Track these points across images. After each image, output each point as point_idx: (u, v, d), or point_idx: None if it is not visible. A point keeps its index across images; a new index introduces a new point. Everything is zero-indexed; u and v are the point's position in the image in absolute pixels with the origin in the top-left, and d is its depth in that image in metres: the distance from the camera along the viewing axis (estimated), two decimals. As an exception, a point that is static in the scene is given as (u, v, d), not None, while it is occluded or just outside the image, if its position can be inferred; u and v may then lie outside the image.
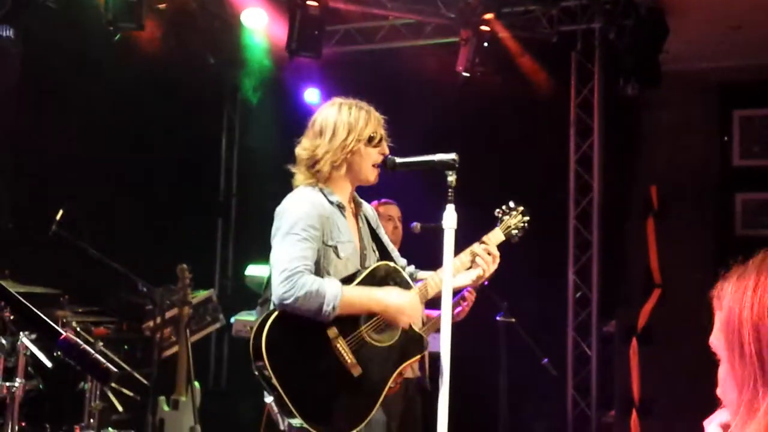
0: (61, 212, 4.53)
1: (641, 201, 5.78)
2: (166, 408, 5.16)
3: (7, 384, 3.74)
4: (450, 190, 2.56)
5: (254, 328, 2.66)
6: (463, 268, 2.96)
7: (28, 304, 1.24)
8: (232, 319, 5.90)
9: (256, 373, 2.64)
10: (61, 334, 1.23)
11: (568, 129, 6.22)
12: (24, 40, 5.81)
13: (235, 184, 7.54)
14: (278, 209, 2.83)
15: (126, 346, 5.43)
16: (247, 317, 5.65)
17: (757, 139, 6.20)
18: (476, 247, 2.98)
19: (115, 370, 1.24)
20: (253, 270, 6.44)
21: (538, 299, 5.72)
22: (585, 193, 6.16)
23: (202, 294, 5.86)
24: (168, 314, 5.41)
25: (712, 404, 1.97)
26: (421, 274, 3.14)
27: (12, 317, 3.94)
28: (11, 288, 1.28)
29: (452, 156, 2.58)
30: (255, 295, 6.24)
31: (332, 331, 2.70)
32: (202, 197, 7.08)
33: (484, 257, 2.94)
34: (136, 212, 6.25)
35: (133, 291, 5.30)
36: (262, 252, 2.94)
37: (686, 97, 6.19)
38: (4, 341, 3.77)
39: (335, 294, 2.65)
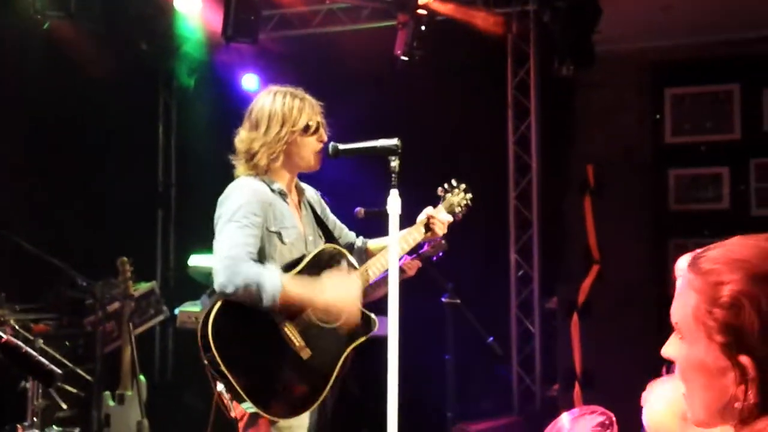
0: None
1: (578, 180, 5.90)
2: (111, 403, 5.08)
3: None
4: (393, 175, 2.59)
5: (201, 318, 2.66)
6: (414, 244, 3.00)
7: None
8: (176, 311, 5.83)
9: (206, 362, 2.65)
10: (2, 337, 1.20)
11: (506, 111, 6.30)
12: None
13: (174, 173, 7.41)
14: (220, 198, 2.83)
15: (67, 342, 5.32)
16: (192, 308, 5.59)
17: (689, 116, 6.39)
18: (423, 216, 3.03)
19: (59, 371, 1.22)
20: (197, 260, 6.36)
21: (481, 279, 5.81)
22: (524, 174, 6.25)
23: (144, 286, 5.78)
24: (109, 308, 5.33)
25: (651, 374, 2.05)
26: (372, 242, 3.17)
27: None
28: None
29: (395, 141, 2.61)
30: (198, 285, 6.17)
31: (279, 316, 2.72)
32: (140, 188, 6.95)
33: (437, 220, 2.99)
34: (72, 205, 6.10)
35: (72, 286, 5.20)
36: (204, 242, 2.92)
37: (620, 77, 6.32)
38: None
39: (274, 290, 2.65)
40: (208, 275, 2.93)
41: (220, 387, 2.73)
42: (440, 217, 3.09)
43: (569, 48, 5.68)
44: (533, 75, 6.22)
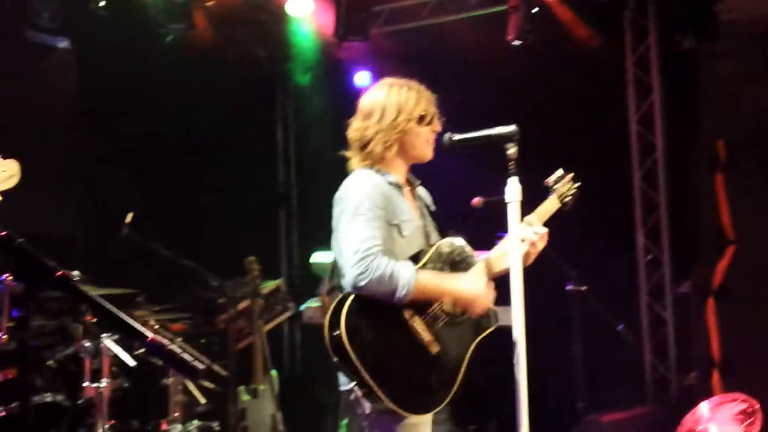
0: (130, 215, 4.64)
1: (708, 156, 5.61)
2: (245, 397, 5.27)
3: (95, 385, 3.87)
4: (511, 162, 2.54)
5: (329, 316, 2.66)
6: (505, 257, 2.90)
7: (114, 310, 1.28)
8: (302, 307, 5.99)
9: (336, 358, 2.64)
10: (148, 336, 1.27)
11: (625, 90, 6.07)
12: (79, 50, 5.96)
13: (294, 173, 7.62)
14: (338, 194, 2.83)
15: (202, 340, 5.56)
16: (317, 304, 5.72)
17: (826, 82, 5.94)
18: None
19: (202, 366, 1.27)
20: (319, 257, 6.50)
21: (606, 265, 5.63)
22: (648, 153, 6.01)
23: (271, 284, 5.95)
24: (240, 306, 5.51)
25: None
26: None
27: (94, 320, 4.07)
28: (92, 292, 1.32)
29: (512, 128, 2.56)
30: (321, 282, 6.32)
31: (408, 311, 2.70)
32: (262, 189, 7.17)
33: (529, 238, 2.90)
34: (199, 209, 6.38)
35: (204, 286, 5.42)
36: (325, 239, 2.96)
37: (746, 46, 5.96)
38: (88, 344, 3.90)
39: (409, 279, 2.64)
40: (330, 272, 2.96)
41: (345, 386, 2.74)
42: (549, 207, 3.02)
43: (690, 19, 5.41)
44: (654, 50, 5.97)
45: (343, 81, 6.75)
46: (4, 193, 1.90)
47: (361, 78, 6.70)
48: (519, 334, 2.57)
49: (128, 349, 4.15)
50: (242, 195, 6.53)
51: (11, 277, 1.11)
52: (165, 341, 1.28)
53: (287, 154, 7.62)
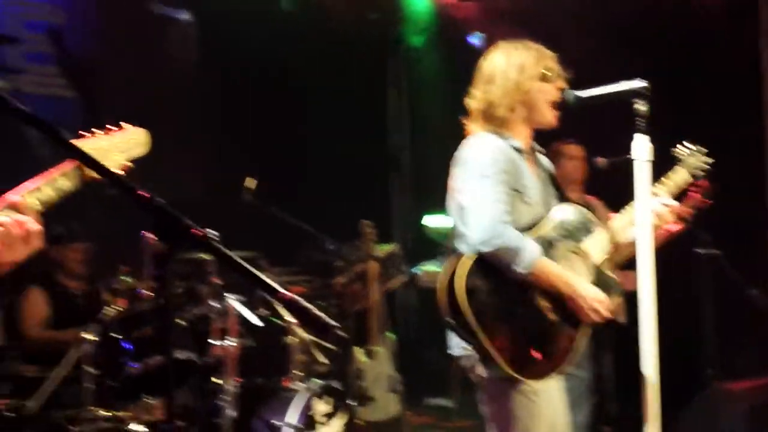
0: (251, 181, 4.78)
1: None
2: (363, 358, 5.38)
3: (222, 343, 4.03)
4: (640, 119, 2.43)
5: (447, 278, 2.63)
6: (631, 225, 2.76)
7: (250, 267, 1.32)
8: (416, 270, 6.03)
9: (451, 320, 2.61)
10: (281, 291, 1.30)
11: (756, 40, 5.69)
12: (200, 21, 6.15)
13: (407, 136, 7.62)
14: (459, 156, 2.79)
15: (320, 302, 5.69)
16: (432, 267, 5.75)
17: None
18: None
19: (334, 324, 1.30)
20: (431, 220, 6.50)
21: (737, 229, 5.35)
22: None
23: (386, 248, 6.01)
24: (356, 269, 5.61)
25: None
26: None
27: (219, 282, 4.24)
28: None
29: (642, 83, 2.45)
30: (435, 245, 6.33)
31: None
32: (375, 153, 7.22)
33: (662, 213, 2.76)
34: (314, 173, 6.49)
35: (322, 250, 5.54)
36: (439, 202, 2.93)
37: None
38: (216, 304, 4.07)
39: (531, 261, 2.58)
40: (443, 235, 2.94)
41: (457, 350, 2.71)
42: (679, 178, 2.88)
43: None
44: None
45: (458, 42, 6.65)
46: (134, 161, 1.98)
47: (476, 38, 6.58)
48: (647, 309, 2.47)
49: (253, 310, 4.30)
50: (355, 159, 6.59)
51: (152, 236, 1.17)
52: (298, 298, 1.31)
53: (400, 117, 7.61)
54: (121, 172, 1.90)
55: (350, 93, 6.67)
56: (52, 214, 1.86)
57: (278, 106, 6.31)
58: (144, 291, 4.10)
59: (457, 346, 2.70)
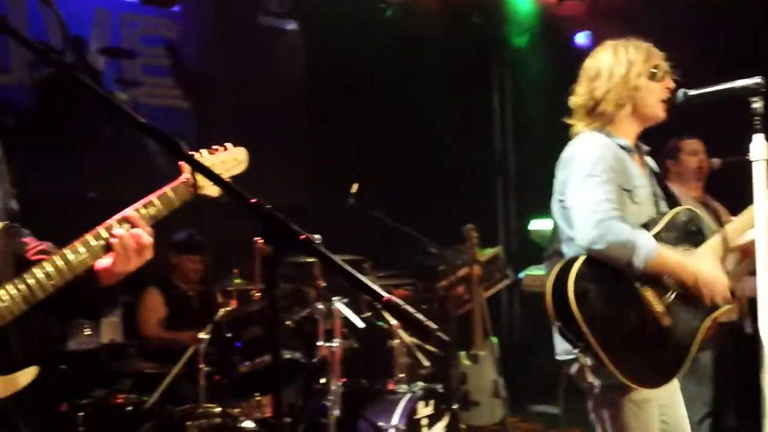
0: (355, 185, 4.87)
1: None
2: (466, 362, 5.37)
3: (327, 344, 4.12)
4: (756, 118, 2.33)
5: (553, 280, 2.58)
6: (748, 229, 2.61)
7: (354, 271, 1.36)
8: (521, 275, 5.97)
9: (561, 326, 2.57)
10: (385, 296, 1.34)
11: None
12: (306, 31, 6.32)
13: (511, 140, 7.56)
14: (565, 156, 2.73)
15: (424, 306, 5.72)
16: (536, 272, 5.67)
17: None
18: None
19: (435, 326, 1.32)
20: (537, 224, 6.43)
21: None
22: None
23: (489, 252, 5.98)
24: (459, 273, 5.61)
25: None
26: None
27: (324, 284, 4.34)
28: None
29: (757, 80, 2.35)
30: (541, 249, 6.23)
31: (639, 279, 2.57)
32: (479, 157, 7.20)
33: None
34: (418, 178, 6.54)
35: (425, 253, 5.57)
36: (544, 206, 2.89)
37: None
38: (321, 306, 4.17)
39: (649, 251, 2.50)
40: (549, 238, 2.90)
41: (564, 355, 2.67)
42: None
43: None
44: None
45: (563, 42, 6.55)
46: (233, 177, 2.09)
47: (582, 38, 6.46)
48: (767, 316, 2.36)
49: (357, 312, 4.38)
50: (459, 163, 6.60)
51: (262, 241, 1.24)
52: (400, 301, 1.34)
53: (504, 120, 7.57)
54: (219, 191, 1.98)
55: (454, 97, 6.68)
56: (174, 221, 1.99)
57: (383, 111, 6.40)
58: (254, 293, 4.25)
59: (564, 351, 2.64)
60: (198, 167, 1.56)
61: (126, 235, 1.82)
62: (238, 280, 4.34)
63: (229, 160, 2.11)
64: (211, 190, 1.98)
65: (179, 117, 6.07)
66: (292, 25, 6.35)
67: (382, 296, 1.35)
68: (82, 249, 1.78)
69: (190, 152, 1.89)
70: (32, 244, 1.92)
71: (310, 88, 6.44)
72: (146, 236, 1.85)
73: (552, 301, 2.54)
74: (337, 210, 4.99)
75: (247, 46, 6.20)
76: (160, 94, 6.10)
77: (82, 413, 3.83)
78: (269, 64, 6.28)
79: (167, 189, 1.93)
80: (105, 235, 1.81)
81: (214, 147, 2.09)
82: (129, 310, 4.80)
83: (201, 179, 1.92)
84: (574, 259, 2.56)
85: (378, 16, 5.95)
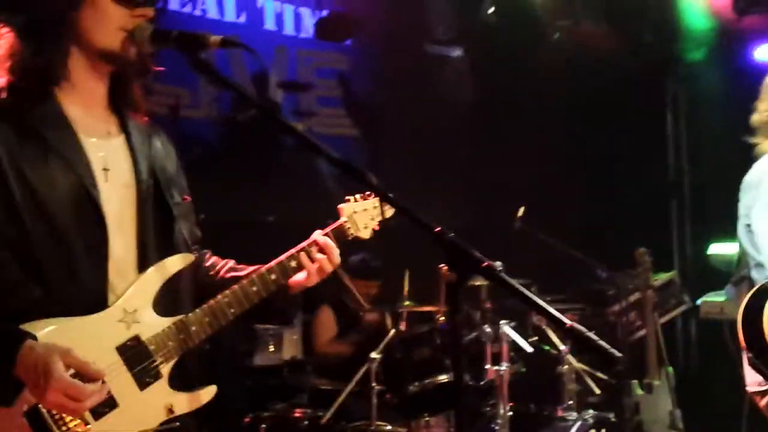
0: (522, 209, 4.87)
1: None
2: (639, 391, 5.17)
3: (495, 368, 4.13)
4: None
5: (744, 308, 2.47)
6: None
7: (536, 297, 1.40)
8: (699, 301, 5.67)
9: (749, 354, 2.46)
10: (567, 323, 1.36)
11: None
12: (472, 57, 6.41)
13: (685, 160, 7.25)
14: (748, 179, 2.62)
15: (593, 331, 5.57)
16: (716, 298, 5.37)
17: None
18: None
19: (619, 355, 1.32)
20: (717, 248, 6.11)
21: None
22: None
23: (664, 276, 5.76)
24: (631, 298, 5.43)
25: None
26: None
27: (490, 307, 4.37)
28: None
29: None
30: (720, 274, 5.91)
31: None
32: (651, 178, 6.96)
33: None
34: (585, 199, 6.42)
35: (594, 277, 5.44)
36: (723, 229, 2.77)
37: None
38: (489, 330, 4.19)
39: None
40: (730, 263, 2.77)
41: (763, 381, 2.53)
42: None
43: None
44: None
45: (741, 57, 6.22)
46: (382, 221, 2.19)
47: (762, 53, 6.10)
48: None
49: (524, 336, 4.36)
50: (631, 184, 6.42)
51: (446, 268, 1.29)
52: (583, 328, 1.36)
53: (678, 139, 7.27)
54: (371, 233, 2.17)
55: (625, 116, 6.52)
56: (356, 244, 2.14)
57: (550, 133, 6.36)
58: (439, 317, 4.32)
59: (755, 382, 2.53)
60: (383, 196, 1.65)
61: (320, 258, 1.99)
62: (408, 302, 4.45)
63: (379, 204, 2.18)
64: (364, 232, 2.15)
65: (350, 145, 6.35)
66: (457, 52, 6.47)
67: (565, 323, 1.37)
68: (267, 276, 1.94)
69: (346, 198, 2.05)
70: (219, 264, 2.09)
71: (476, 112, 6.51)
72: (337, 257, 2.03)
73: (743, 329, 2.44)
74: (504, 233, 5.00)
75: (415, 74, 6.38)
76: (332, 123, 6.42)
77: (263, 426, 4.07)
78: (436, 90, 6.43)
79: (343, 219, 2.11)
80: (296, 260, 1.97)
81: (367, 193, 2.18)
82: (307, 328, 5.04)
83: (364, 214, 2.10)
84: (766, 287, 2.44)
85: (544, 39, 5.93)
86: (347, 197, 2.18)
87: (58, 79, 1.78)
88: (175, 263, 1.85)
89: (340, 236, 2.09)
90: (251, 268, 2.02)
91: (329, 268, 2.02)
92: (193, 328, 1.82)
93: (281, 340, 4.58)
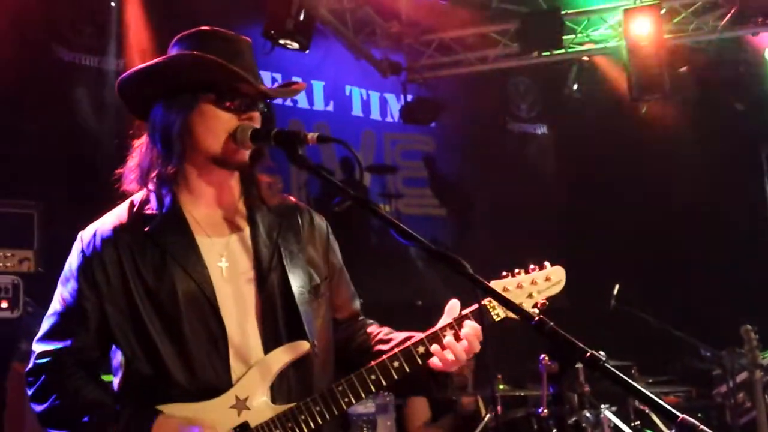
0: (617, 287, 4.74)
1: None
2: (758, 481, 4.83)
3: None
4: None
5: None
6: None
7: (642, 389, 1.34)
8: (812, 380, 5.32)
9: None
10: (679, 416, 1.29)
11: None
12: (557, 134, 6.41)
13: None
14: None
15: (699, 414, 5.30)
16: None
17: None
18: None
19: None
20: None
21: None
22: None
23: (772, 355, 5.44)
24: (738, 379, 5.15)
25: None
26: None
27: (588, 390, 4.21)
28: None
29: None
30: None
31: None
32: (754, 254, 6.70)
33: None
34: (684, 274, 6.20)
35: (697, 357, 5.20)
36: None
37: None
38: (588, 414, 4.03)
39: None
40: None
41: None
42: None
43: None
44: None
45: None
46: (550, 298, 2.06)
47: None
48: None
49: (626, 421, 4.17)
50: (733, 261, 6.19)
51: (547, 357, 1.25)
52: (695, 422, 1.29)
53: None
54: (537, 309, 2.03)
55: (719, 187, 6.33)
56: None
57: (639, 207, 6.23)
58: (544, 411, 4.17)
59: None
60: (491, 293, 1.57)
61: (458, 349, 1.89)
62: (502, 386, 4.34)
63: (540, 280, 2.07)
64: (501, 309, 1.99)
65: (437, 224, 6.38)
66: (541, 129, 6.48)
67: (676, 416, 1.30)
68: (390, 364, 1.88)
69: (503, 274, 1.96)
70: (375, 332, 2.07)
71: (562, 186, 6.46)
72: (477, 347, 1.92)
73: None
74: (599, 312, 4.87)
75: (499, 152, 6.42)
76: (418, 203, 6.48)
77: None
78: (520, 166, 6.44)
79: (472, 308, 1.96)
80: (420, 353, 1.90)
81: (532, 267, 2.08)
82: (401, 413, 4.98)
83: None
84: None
85: (630, 113, 5.88)
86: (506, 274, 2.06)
87: (178, 184, 1.89)
88: (288, 352, 1.88)
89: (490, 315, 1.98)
90: (399, 339, 1.98)
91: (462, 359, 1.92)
92: (302, 417, 1.84)
93: (375, 427, 4.52)
